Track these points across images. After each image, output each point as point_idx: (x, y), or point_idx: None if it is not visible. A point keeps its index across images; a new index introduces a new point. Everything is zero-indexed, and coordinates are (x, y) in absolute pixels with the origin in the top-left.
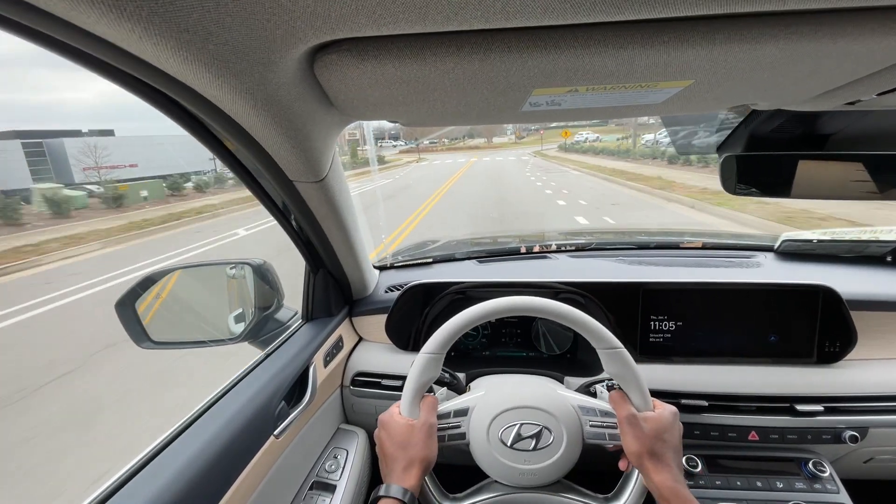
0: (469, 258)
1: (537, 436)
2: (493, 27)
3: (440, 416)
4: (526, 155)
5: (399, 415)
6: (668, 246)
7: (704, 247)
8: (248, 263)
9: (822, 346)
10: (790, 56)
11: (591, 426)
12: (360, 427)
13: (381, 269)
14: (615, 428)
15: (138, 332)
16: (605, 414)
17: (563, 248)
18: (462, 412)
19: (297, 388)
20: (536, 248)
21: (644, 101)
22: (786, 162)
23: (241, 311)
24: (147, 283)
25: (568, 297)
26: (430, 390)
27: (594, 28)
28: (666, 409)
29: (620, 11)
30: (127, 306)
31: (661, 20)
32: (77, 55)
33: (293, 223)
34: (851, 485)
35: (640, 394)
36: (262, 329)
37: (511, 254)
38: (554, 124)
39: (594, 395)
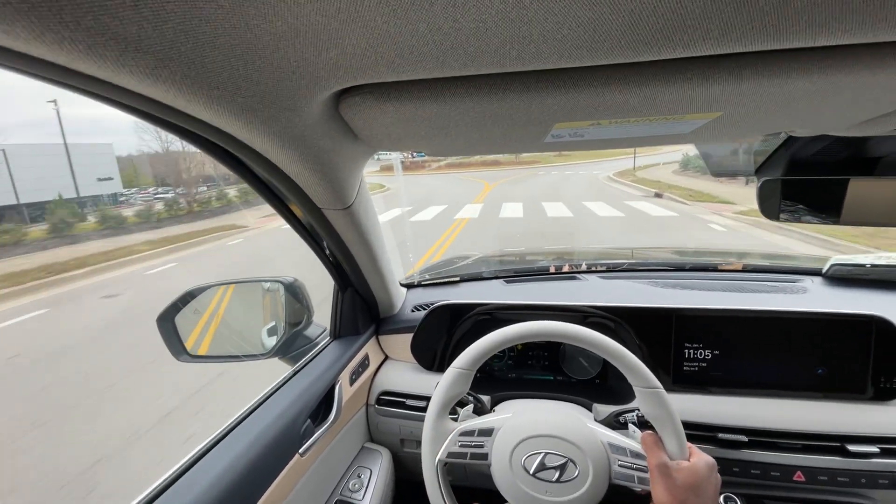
0: (496, 277)
1: (562, 468)
2: (511, 71)
3: (464, 434)
4: (596, 185)
5: None
6: (704, 268)
7: (745, 269)
8: (280, 281)
9: (877, 382)
10: (826, 88)
11: (619, 465)
12: (384, 446)
13: (409, 286)
14: (646, 472)
15: (177, 346)
16: (636, 455)
17: (593, 269)
18: (487, 432)
19: (322, 406)
20: (566, 268)
21: (671, 132)
22: (833, 186)
23: (272, 327)
24: (187, 298)
25: (597, 321)
26: (455, 410)
27: (614, 67)
28: (701, 460)
29: (639, 54)
30: (167, 321)
31: (689, 58)
32: (120, 106)
33: (322, 245)
34: None
35: (676, 440)
36: (293, 345)
37: (539, 273)
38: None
39: (624, 425)
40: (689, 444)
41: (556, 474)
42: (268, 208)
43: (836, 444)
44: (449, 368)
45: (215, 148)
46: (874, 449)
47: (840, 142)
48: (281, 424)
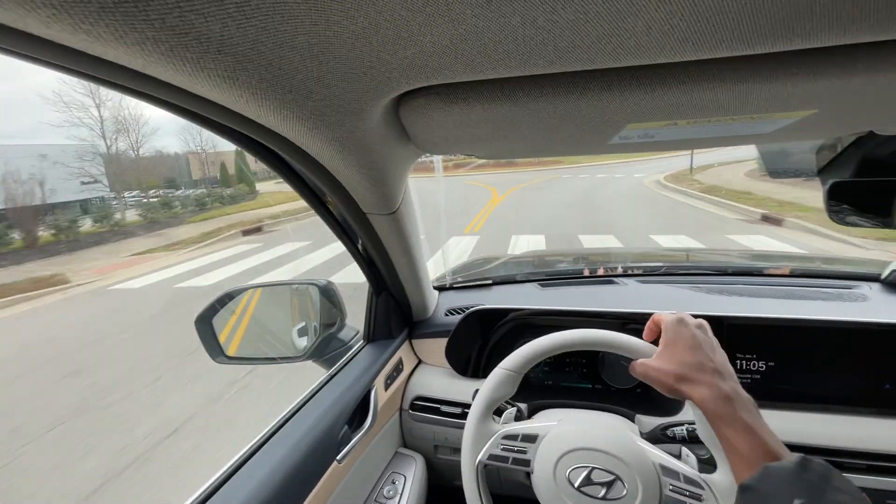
0: (530, 280)
1: (609, 485)
2: (598, 67)
3: (507, 437)
4: (646, 195)
5: None
6: (749, 272)
7: (793, 274)
8: (314, 284)
9: None
10: None
11: (671, 490)
12: (418, 452)
13: (441, 289)
14: (700, 500)
15: (214, 347)
16: (690, 482)
17: (630, 272)
18: (531, 438)
19: (359, 411)
20: (601, 272)
21: (748, 132)
22: None
23: (307, 329)
24: (224, 299)
25: (637, 328)
26: (498, 412)
27: (708, 62)
28: (668, 326)
29: (749, 47)
30: (205, 322)
31: (794, 51)
32: (187, 115)
33: (360, 248)
34: None
35: (632, 348)
36: (327, 347)
37: (575, 277)
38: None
39: (673, 439)
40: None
41: (603, 491)
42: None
43: None
44: (496, 368)
45: (266, 152)
46: None
47: None
48: (319, 431)
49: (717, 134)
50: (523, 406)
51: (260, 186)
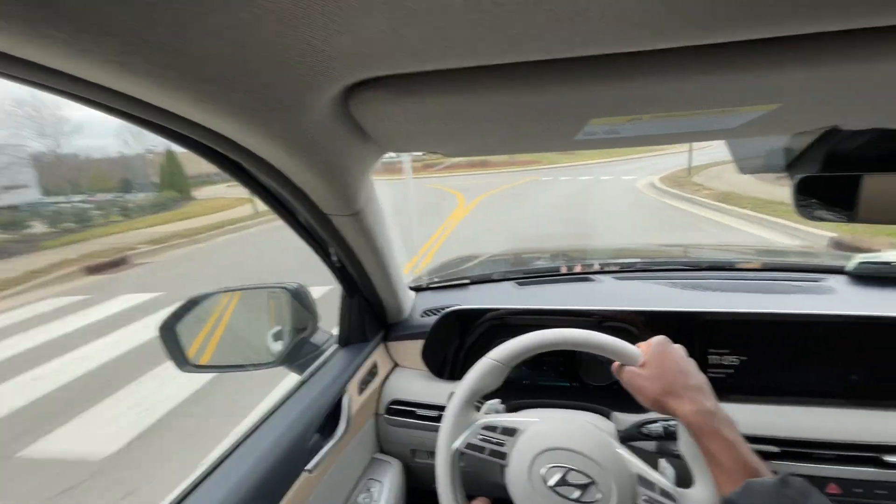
0: (507, 279)
1: (584, 488)
2: (555, 58)
3: (487, 428)
4: (648, 206)
5: None
6: (722, 267)
7: (764, 268)
8: (285, 287)
9: None
10: None
11: (644, 500)
12: (395, 457)
13: (417, 290)
14: None
15: (179, 356)
16: (665, 495)
17: (606, 269)
18: (510, 431)
19: (330, 418)
20: (578, 269)
21: (714, 127)
22: (882, 183)
23: (278, 334)
24: (189, 306)
25: (616, 325)
26: (481, 401)
27: (673, 52)
28: (651, 345)
29: (711, 34)
30: (169, 329)
31: (759, 40)
32: (99, 106)
33: (327, 250)
34: None
35: (620, 352)
36: (299, 352)
37: (552, 274)
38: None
39: (648, 436)
40: (638, 344)
41: (577, 493)
42: None
43: (871, 454)
44: (484, 358)
45: (210, 152)
46: None
47: (890, 133)
48: (288, 440)
49: (684, 129)
50: (501, 406)
51: (211, 190)
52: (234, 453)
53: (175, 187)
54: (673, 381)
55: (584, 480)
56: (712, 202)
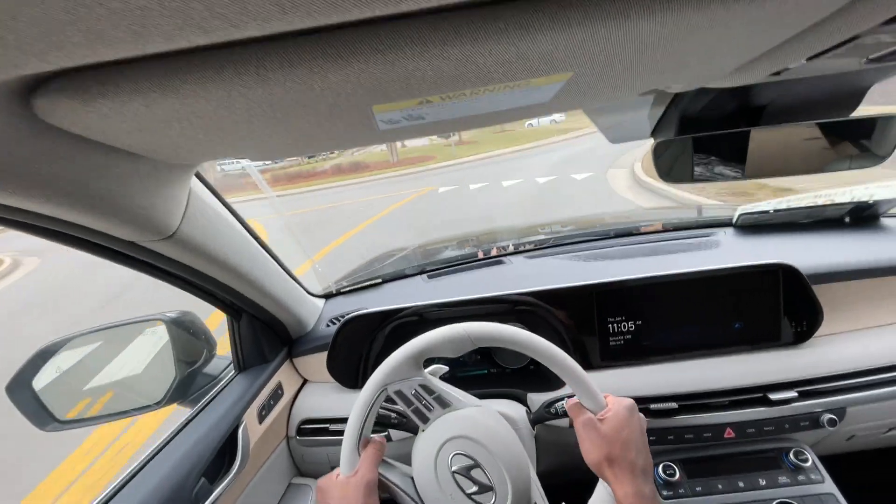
0: (421, 272)
1: (482, 489)
2: (281, 32)
3: (424, 387)
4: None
5: (336, 477)
6: (628, 233)
7: (664, 229)
8: (161, 318)
9: (789, 328)
10: (680, 33)
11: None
12: (315, 478)
13: (327, 297)
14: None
15: (41, 415)
16: None
17: (520, 249)
18: (444, 403)
19: (225, 455)
20: (494, 252)
21: (528, 102)
22: (728, 141)
23: (163, 370)
24: (43, 356)
25: (524, 309)
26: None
27: (391, 23)
28: (619, 405)
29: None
30: (22, 388)
31: (484, 2)
32: None
33: (174, 275)
34: (838, 462)
35: (588, 395)
36: (191, 386)
37: (465, 262)
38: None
39: (556, 415)
40: (605, 395)
41: (473, 489)
42: None
43: (758, 395)
44: (459, 326)
45: None
46: (793, 394)
47: (724, 94)
48: (164, 494)
49: (495, 108)
50: (446, 374)
51: None
52: None
53: None
54: (623, 452)
55: (486, 483)
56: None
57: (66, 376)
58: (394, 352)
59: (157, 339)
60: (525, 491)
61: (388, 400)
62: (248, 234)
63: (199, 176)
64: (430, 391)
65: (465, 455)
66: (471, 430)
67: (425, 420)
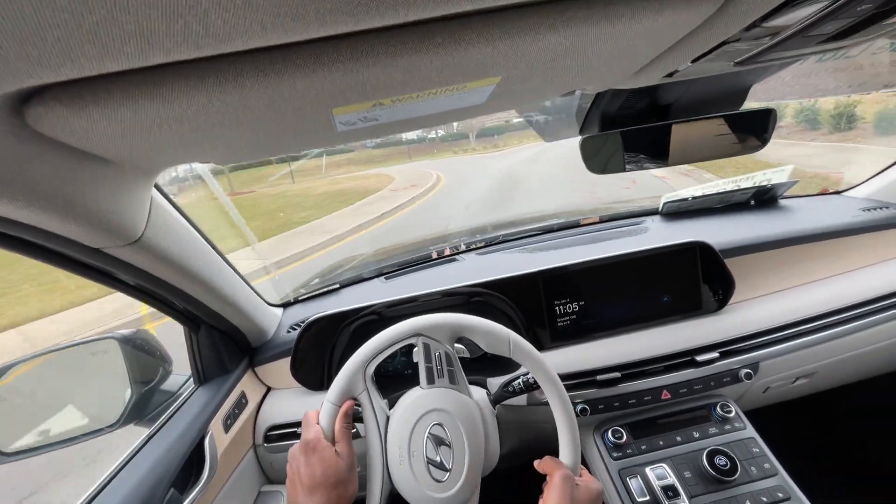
0: (379, 275)
1: (440, 463)
2: (255, 47)
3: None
4: None
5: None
6: (570, 226)
7: (602, 220)
8: (113, 337)
9: (709, 297)
10: (580, 42)
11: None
12: (285, 485)
13: (285, 306)
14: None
15: None
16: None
17: (472, 247)
18: (454, 380)
19: (193, 466)
20: (447, 252)
21: (466, 104)
22: (648, 136)
23: (116, 391)
24: None
25: (480, 300)
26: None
27: (349, 39)
28: (594, 483)
29: (357, 20)
30: None
31: (425, 21)
32: None
33: (134, 286)
34: (758, 413)
35: (575, 452)
36: (148, 405)
37: (420, 262)
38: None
39: (514, 393)
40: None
41: (435, 459)
42: None
43: (687, 358)
44: (509, 330)
45: None
46: (715, 354)
47: (636, 94)
48: None
49: (439, 109)
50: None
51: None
52: None
53: None
54: None
55: (446, 464)
56: None
57: (7, 406)
58: (439, 314)
59: (109, 359)
60: (469, 494)
61: (383, 377)
62: (206, 243)
63: (156, 186)
64: (449, 362)
65: (444, 430)
66: (463, 417)
67: (431, 381)
